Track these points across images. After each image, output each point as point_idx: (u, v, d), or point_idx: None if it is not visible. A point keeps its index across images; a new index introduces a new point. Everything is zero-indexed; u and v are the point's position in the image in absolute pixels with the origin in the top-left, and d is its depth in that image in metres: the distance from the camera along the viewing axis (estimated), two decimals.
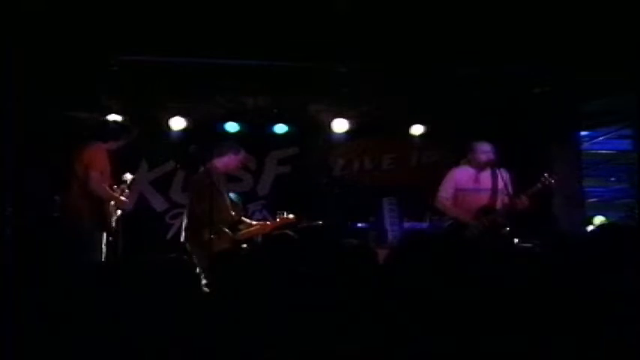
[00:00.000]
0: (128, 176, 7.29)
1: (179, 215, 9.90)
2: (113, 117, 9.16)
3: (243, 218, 7.35)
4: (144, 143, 9.72)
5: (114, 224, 6.96)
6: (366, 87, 8.96)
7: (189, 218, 6.94)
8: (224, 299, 3.40)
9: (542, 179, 6.91)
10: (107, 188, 6.79)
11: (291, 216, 7.30)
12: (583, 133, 10.53)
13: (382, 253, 4.26)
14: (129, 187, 7.29)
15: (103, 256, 6.70)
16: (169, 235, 9.87)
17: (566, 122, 9.75)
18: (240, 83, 8.96)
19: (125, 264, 3.88)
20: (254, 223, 7.38)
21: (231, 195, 8.46)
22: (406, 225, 9.27)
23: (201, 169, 7.08)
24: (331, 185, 9.70)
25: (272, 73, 8.72)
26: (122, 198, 7.02)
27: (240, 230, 7.07)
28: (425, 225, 9.14)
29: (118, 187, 7.10)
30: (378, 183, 10.22)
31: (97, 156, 6.71)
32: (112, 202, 6.91)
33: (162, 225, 9.86)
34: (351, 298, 3.32)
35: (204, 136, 9.50)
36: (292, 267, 3.73)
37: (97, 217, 6.66)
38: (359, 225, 8.99)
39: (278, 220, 7.28)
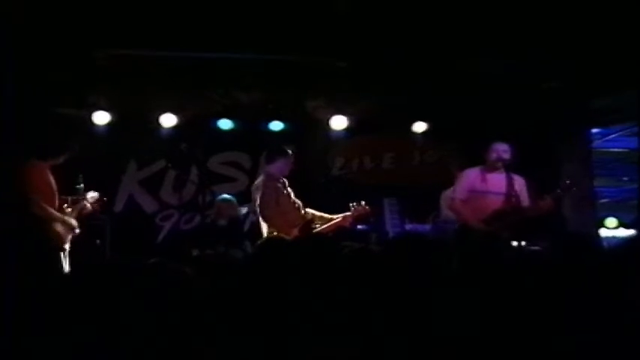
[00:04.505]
0: (92, 194, 7.02)
1: (170, 217, 9.90)
2: (100, 114, 9.16)
3: (318, 213, 7.33)
4: (132, 141, 9.72)
5: (67, 244, 6.51)
6: (366, 82, 8.94)
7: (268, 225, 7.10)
8: (217, 306, 3.38)
9: (563, 185, 6.92)
10: (51, 211, 6.38)
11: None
12: (594, 130, 10.51)
13: None
14: (93, 204, 7.00)
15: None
16: (160, 238, 9.84)
17: (577, 119, 9.73)
18: (234, 78, 8.94)
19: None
20: (332, 218, 7.35)
21: (227, 196, 8.45)
22: (408, 226, 9.25)
23: (260, 177, 7.17)
24: (329, 185, 9.67)
25: (267, 68, 8.71)
26: (72, 221, 6.57)
27: (315, 228, 7.10)
28: (427, 227, 9.12)
29: (72, 205, 6.67)
30: (378, 183, 10.19)
31: (37, 179, 6.36)
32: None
33: (152, 227, 9.82)
34: (352, 303, 3.30)
35: (196, 133, 9.50)
36: (288, 272, 3.69)
37: (44, 237, 6.29)
38: (359, 227, 8.95)
39: (353, 212, 7.25)
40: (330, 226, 7.17)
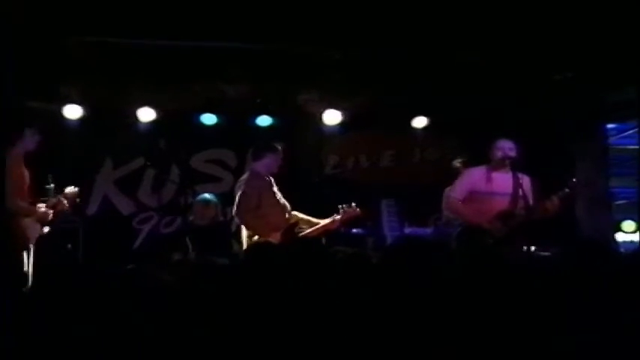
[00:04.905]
0: (70, 189, 7.08)
1: (148, 220, 9.89)
2: (72, 108, 9.13)
3: (305, 216, 7.34)
4: (107, 138, 9.70)
5: (33, 242, 6.63)
6: (362, 74, 8.94)
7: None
8: (197, 320, 3.40)
9: (571, 183, 6.93)
10: (19, 202, 6.49)
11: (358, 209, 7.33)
12: (610, 125, 10.52)
13: None
14: (69, 199, 7.01)
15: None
16: (137, 243, 9.83)
17: (591, 113, 9.73)
18: (219, 69, 8.92)
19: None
20: (319, 222, 7.35)
21: (207, 196, 8.44)
22: (407, 230, 9.27)
23: (245, 174, 7.15)
24: (322, 185, 9.68)
25: (255, 58, 8.69)
26: (42, 210, 6.72)
27: (300, 232, 7.11)
28: (429, 231, 9.13)
29: (48, 198, 6.82)
30: (375, 182, 10.20)
31: (8, 167, 6.27)
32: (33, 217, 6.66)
33: (129, 231, 9.82)
34: (345, 312, 3.33)
35: (177, 129, 9.50)
36: (278, 280, 3.71)
37: (9, 234, 6.30)
38: (354, 231, 8.98)
39: (342, 214, 7.25)
40: (316, 230, 7.18)
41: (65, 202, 6.93)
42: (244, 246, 7.19)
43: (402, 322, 3.20)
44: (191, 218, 8.39)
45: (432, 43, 8.05)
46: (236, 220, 7.12)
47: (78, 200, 7.29)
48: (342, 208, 7.22)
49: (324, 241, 7.05)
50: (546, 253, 6.78)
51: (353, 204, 7.23)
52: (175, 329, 3.17)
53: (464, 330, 3.16)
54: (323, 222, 7.25)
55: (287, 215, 7.17)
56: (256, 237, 6.93)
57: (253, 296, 3.49)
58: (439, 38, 7.88)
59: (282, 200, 7.22)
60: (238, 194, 7.00)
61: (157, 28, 7.73)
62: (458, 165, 8.14)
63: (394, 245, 4.44)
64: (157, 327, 3.15)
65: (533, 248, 7.09)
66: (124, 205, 9.90)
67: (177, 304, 3.45)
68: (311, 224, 7.24)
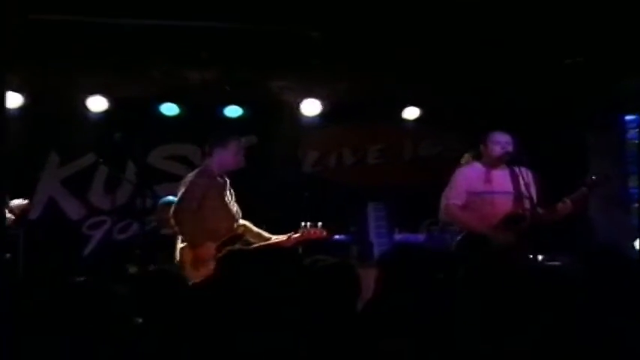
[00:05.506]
0: (18, 202, 7.02)
1: (100, 225, 9.84)
2: (10, 96, 9.06)
3: (255, 229, 7.26)
4: (53, 130, 9.64)
5: None
6: (345, 57, 8.93)
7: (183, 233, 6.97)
8: (162, 334, 3.39)
9: (589, 181, 6.91)
10: None
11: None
12: (628, 117, 10.56)
13: (367, 274, 4.22)
14: (17, 214, 7.04)
15: None
16: (87, 251, 9.78)
17: (606, 103, 9.77)
18: (181, 51, 8.88)
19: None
20: (272, 237, 7.26)
21: (170, 198, 8.39)
22: (397, 237, 9.27)
23: (194, 170, 7.07)
24: (300, 185, 9.65)
25: (223, 39, 8.65)
26: None
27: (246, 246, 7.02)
28: (421, 237, 9.13)
29: None
30: (361, 182, 10.23)
31: None
32: None
33: (78, 238, 9.77)
34: (326, 329, 3.32)
35: (133, 120, 9.44)
36: (252, 293, 3.70)
37: None
38: (337, 237, 8.96)
39: (302, 233, 7.15)
40: (265, 245, 7.04)
41: (12, 217, 6.90)
42: (176, 255, 7.06)
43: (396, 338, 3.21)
44: (154, 224, 8.33)
45: (427, 24, 8.04)
46: (171, 221, 6.95)
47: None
48: (305, 226, 7.07)
49: (300, 250, 7.02)
50: (556, 263, 6.79)
51: (319, 223, 7.07)
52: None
53: (466, 345, 3.17)
54: (275, 238, 7.13)
55: (234, 225, 7.03)
56: (182, 245, 6.79)
57: (227, 313, 3.48)
58: (437, 17, 7.86)
59: (234, 206, 7.07)
60: (181, 192, 6.87)
61: (110, 3, 7.68)
62: (470, 159, 7.99)
63: (388, 254, 4.42)
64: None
65: (540, 257, 7.10)
66: (72, 208, 9.88)
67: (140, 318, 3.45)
68: (262, 238, 7.09)
